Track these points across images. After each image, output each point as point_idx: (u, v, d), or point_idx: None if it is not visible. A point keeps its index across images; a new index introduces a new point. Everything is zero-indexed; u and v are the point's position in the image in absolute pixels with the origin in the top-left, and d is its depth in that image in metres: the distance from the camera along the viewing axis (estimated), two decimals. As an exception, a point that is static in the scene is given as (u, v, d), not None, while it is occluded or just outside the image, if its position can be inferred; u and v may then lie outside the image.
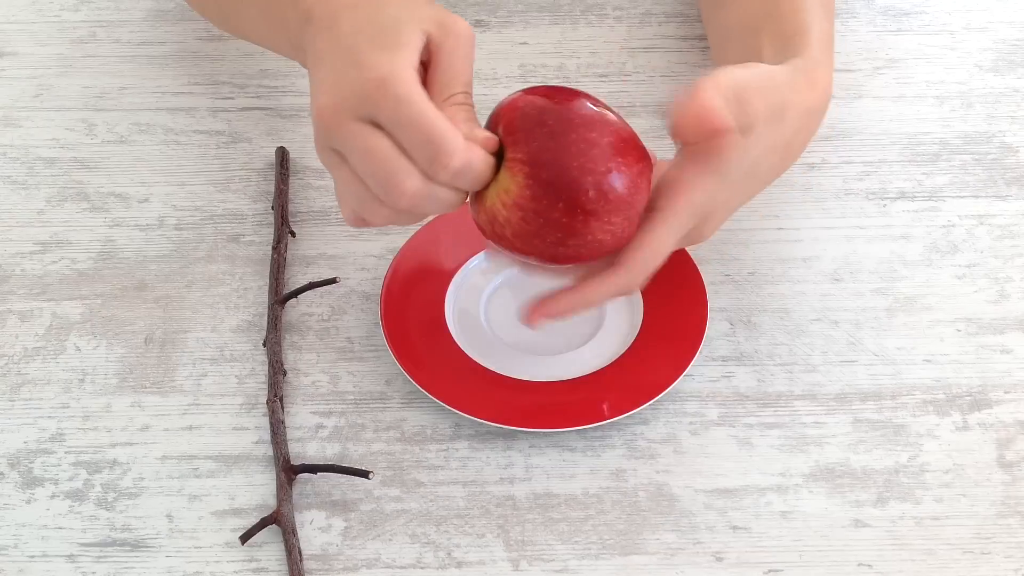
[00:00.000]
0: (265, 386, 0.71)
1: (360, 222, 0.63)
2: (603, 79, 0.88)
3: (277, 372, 0.70)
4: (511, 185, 0.60)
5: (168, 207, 0.80)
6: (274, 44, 0.74)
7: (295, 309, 0.74)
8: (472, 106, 0.62)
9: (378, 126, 0.59)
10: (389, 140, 0.59)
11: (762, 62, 0.68)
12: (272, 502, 0.66)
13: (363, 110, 0.59)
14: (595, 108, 0.61)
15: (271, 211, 0.80)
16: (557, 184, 0.59)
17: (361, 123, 0.59)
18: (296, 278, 0.76)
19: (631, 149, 0.61)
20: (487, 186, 0.61)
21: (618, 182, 0.60)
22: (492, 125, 0.62)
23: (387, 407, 0.70)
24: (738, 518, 0.65)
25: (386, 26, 0.61)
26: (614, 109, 0.63)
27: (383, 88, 0.58)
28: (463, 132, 0.60)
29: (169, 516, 0.66)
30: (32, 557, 0.64)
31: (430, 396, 0.69)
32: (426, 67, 0.62)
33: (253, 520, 0.65)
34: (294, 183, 0.81)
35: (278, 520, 0.64)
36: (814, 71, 0.69)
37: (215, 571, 0.64)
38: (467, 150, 0.59)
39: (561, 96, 0.61)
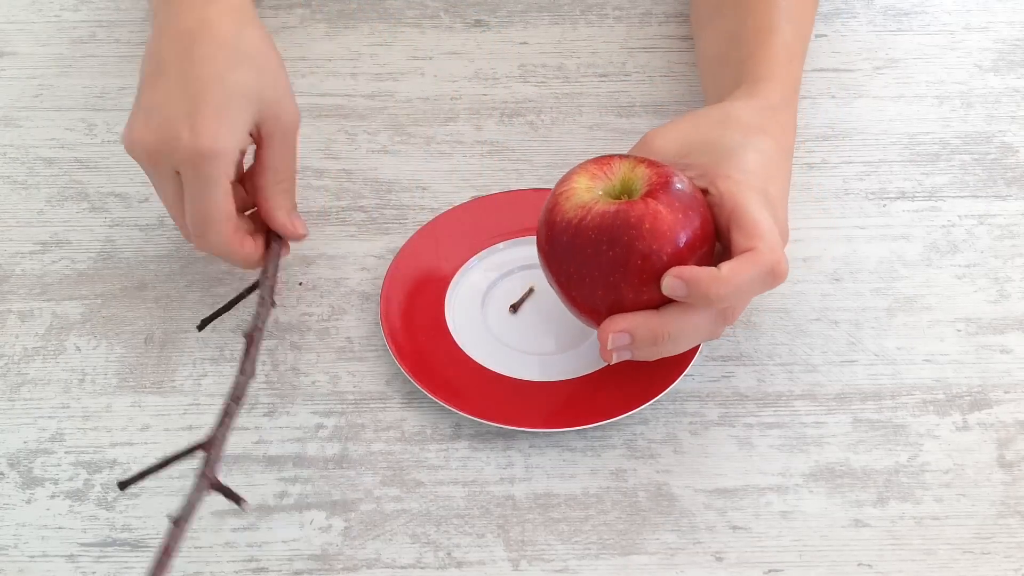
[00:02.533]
0: (265, 386, 0.71)
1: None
2: (603, 79, 0.88)
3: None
4: None
5: (168, 207, 0.80)
6: None
7: (295, 309, 0.74)
8: (294, 192, 0.72)
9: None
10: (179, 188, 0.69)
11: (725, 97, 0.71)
12: (272, 502, 0.66)
13: (176, 165, 0.67)
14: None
15: (271, 211, 0.80)
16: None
17: (171, 171, 0.68)
18: (296, 278, 0.76)
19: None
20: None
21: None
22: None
23: (387, 407, 0.70)
24: (738, 518, 0.65)
25: (228, 93, 0.68)
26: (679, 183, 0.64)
27: (200, 160, 0.66)
28: (285, 212, 0.71)
29: (169, 516, 0.65)
30: (32, 557, 0.64)
31: (430, 396, 0.69)
32: (255, 140, 0.70)
33: (253, 520, 0.65)
34: (294, 183, 0.81)
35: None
36: (774, 112, 0.70)
37: (215, 571, 0.64)
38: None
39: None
